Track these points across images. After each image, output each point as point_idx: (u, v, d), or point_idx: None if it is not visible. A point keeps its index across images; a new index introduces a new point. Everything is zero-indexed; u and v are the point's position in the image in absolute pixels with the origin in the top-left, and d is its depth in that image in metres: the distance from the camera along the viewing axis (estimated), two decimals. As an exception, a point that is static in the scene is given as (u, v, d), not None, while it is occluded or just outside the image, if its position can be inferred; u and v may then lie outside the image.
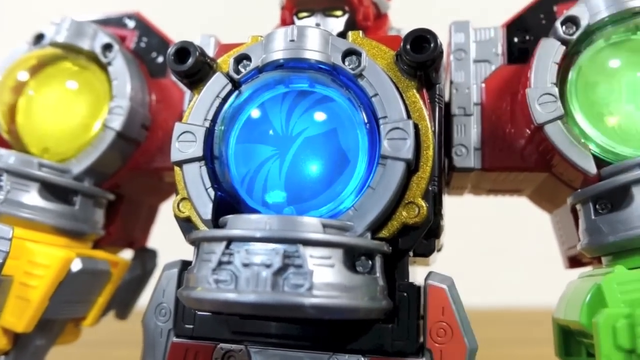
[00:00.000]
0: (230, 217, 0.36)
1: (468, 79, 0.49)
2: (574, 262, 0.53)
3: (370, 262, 0.36)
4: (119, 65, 0.53)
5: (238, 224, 0.35)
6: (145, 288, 0.63)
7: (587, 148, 0.42)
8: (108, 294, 0.54)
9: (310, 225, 0.34)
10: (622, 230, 0.38)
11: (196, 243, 0.38)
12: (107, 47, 0.54)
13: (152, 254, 0.63)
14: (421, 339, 0.39)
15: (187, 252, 0.49)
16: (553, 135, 0.42)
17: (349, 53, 0.41)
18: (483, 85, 0.49)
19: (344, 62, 0.41)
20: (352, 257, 0.36)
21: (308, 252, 0.33)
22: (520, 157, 0.47)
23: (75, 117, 0.53)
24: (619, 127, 0.42)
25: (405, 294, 0.39)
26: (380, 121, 0.39)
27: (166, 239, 0.69)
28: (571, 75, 0.44)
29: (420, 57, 0.39)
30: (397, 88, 0.40)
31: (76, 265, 0.48)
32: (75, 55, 0.55)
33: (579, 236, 0.45)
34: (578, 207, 0.44)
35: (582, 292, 0.40)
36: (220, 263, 0.33)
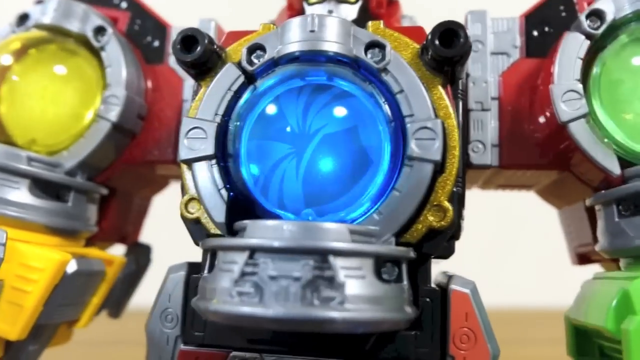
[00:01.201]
0: (249, 223, 0.34)
1: (485, 72, 0.47)
2: (583, 259, 0.52)
3: (396, 269, 0.35)
4: (113, 50, 0.49)
5: (262, 232, 0.33)
6: (138, 285, 0.60)
7: (611, 147, 0.41)
8: (103, 294, 0.51)
9: (339, 233, 0.32)
10: (650, 235, 0.38)
11: (209, 248, 0.35)
12: (99, 31, 0.50)
13: (145, 250, 0.60)
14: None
15: (181, 246, 0.46)
16: (577, 134, 0.41)
17: (372, 45, 0.38)
18: (500, 78, 0.47)
19: (366, 54, 0.38)
20: (379, 264, 0.34)
21: (339, 262, 0.31)
22: (539, 154, 0.45)
23: (64, 106, 0.49)
24: (644, 126, 0.41)
25: (428, 300, 0.38)
26: (407, 119, 0.37)
27: (160, 234, 0.66)
28: (595, 71, 0.43)
29: (450, 51, 0.36)
30: (423, 84, 0.38)
31: (71, 267, 0.45)
32: (63, 38, 0.51)
33: (595, 236, 0.44)
34: (597, 207, 0.43)
35: (606, 296, 0.39)
36: (243, 274, 0.31)
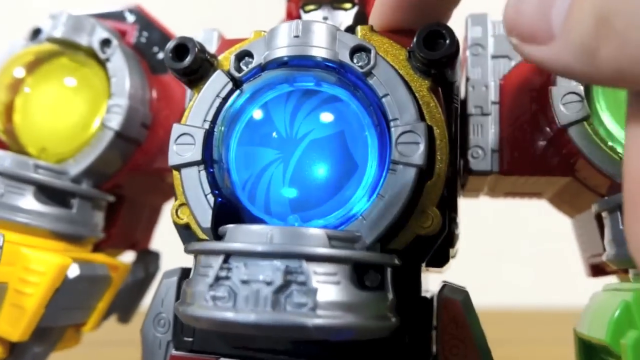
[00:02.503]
0: (229, 228, 0.34)
1: (485, 75, 0.46)
2: (597, 270, 0.50)
3: (379, 276, 0.34)
4: (117, 61, 0.51)
5: (238, 236, 0.33)
6: (147, 291, 0.61)
7: (615, 152, 0.39)
8: (108, 298, 0.52)
9: (315, 237, 0.32)
10: (654, 243, 0.35)
11: (194, 254, 0.35)
12: (105, 43, 0.51)
13: (154, 257, 0.61)
14: (434, 353, 0.37)
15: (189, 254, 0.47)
16: (577, 138, 0.39)
17: (357, 49, 0.38)
18: (501, 82, 0.46)
19: (352, 59, 0.38)
20: (361, 271, 0.33)
21: (312, 268, 0.30)
22: (542, 160, 0.44)
23: (73, 116, 0.51)
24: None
25: (416, 309, 0.37)
26: (391, 123, 0.36)
27: (170, 240, 0.67)
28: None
29: (434, 54, 0.36)
30: (410, 88, 0.37)
31: (73, 272, 0.46)
32: (73, 51, 0.53)
33: (604, 245, 0.42)
34: (604, 214, 0.41)
35: (608, 308, 0.37)
36: (217, 278, 0.31)
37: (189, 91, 0.53)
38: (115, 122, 0.49)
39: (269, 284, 0.30)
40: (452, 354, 0.36)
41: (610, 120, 0.40)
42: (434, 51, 0.36)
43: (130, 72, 0.51)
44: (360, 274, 0.33)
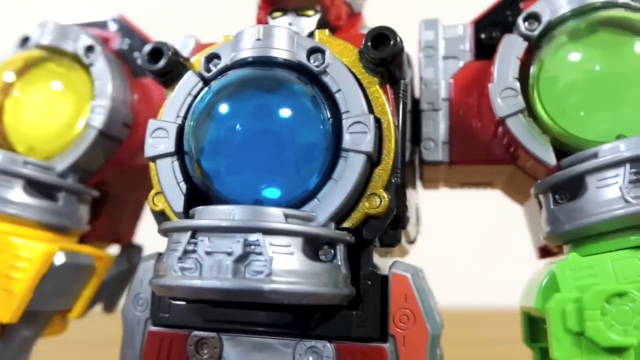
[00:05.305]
0: (198, 209, 0.38)
1: (437, 75, 0.51)
2: (545, 252, 0.54)
3: (332, 251, 0.38)
4: (100, 66, 0.55)
5: (204, 215, 0.37)
6: (130, 282, 0.64)
7: (547, 140, 0.44)
8: (93, 287, 0.56)
9: (272, 215, 0.36)
10: (577, 219, 0.40)
11: (166, 234, 0.39)
12: (89, 49, 0.55)
13: (137, 250, 0.65)
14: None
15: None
16: (514, 128, 0.44)
17: (313, 51, 0.42)
18: (451, 81, 0.50)
19: (309, 59, 0.42)
20: (315, 246, 0.37)
21: (268, 240, 0.34)
22: (487, 150, 0.48)
23: (60, 117, 0.55)
24: (579, 119, 0.44)
25: (369, 282, 0.41)
26: (343, 116, 0.40)
27: (153, 234, 0.71)
28: (533, 69, 0.46)
29: (380, 54, 0.40)
30: (361, 84, 0.41)
31: (59, 259, 0.50)
32: (60, 57, 0.57)
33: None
34: (540, 197, 0.45)
35: (538, 279, 0.41)
36: (185, 252, 0.35)
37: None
38: (98, 121, 0.53)
39: (229, 254, 0.34)
40: (401, 324, 0.40)
41: (543, 113, 0.45)
42: (380, 51, 0.40)
43: (112, 75, 0.55)
44: (315, 250, 0.38)
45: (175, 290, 0.35)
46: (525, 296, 0.45)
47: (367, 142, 0.39)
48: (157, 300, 0.44)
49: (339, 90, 0.41)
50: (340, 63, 0.42)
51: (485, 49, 0.50)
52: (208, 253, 0.34)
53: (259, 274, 0.34)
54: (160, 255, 0.46)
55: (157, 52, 0.44)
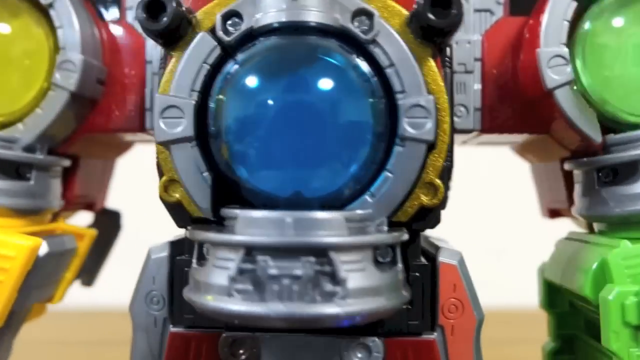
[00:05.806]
0: (240, 215, 0.32)
1: (468, 31, 0.45)
2: (554, 213, 0.54)
3: (391, 252, 0.35)
4: (62, 7, 0.44)
5: (254, 226, 0.31)
6: (110, 253, 0.58)
7: (594, 115, 0.41)
8: (75, 268, 0.49)
9: (336, 224, 0.31)
10: (630, 205, 0.39)
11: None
12: (44, -16, 0.44)
13: (115, 216, 0.58)
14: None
15: (151, 209, 0.44)
16: (563, 101, 0.41)
17: (358, 13, 0.35)
18: (483, 38, 0.46)
19: (352, 24, 0.35)
20: (375, 250, 0.34)
21: (339, 257, 0.30)
22: (521, 118, 0.45)
23: (12, 72, 0.45)
24: (625, 92, 0.42)
25: (418, 275, 0.38)
26: (398, 96, 0.35)
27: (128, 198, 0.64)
28: (579, 34, 0.42)
29: (442, 22, 0.34)
30: (415, 57, 0.36)
31: (42, 250, 0.42)
32: (3, -7, 0.45)
33: (571, 198, 0.46)
34: (577, 172, 0.44)
35: (583, 261, 0.41)
36: (241, 271, 0.30)
37: (149, 42, 0.48)
38: (71, 81, 0.43)
39: (298, 277, 0.30)
40: (450, 314, 0.39)
41: (589, 83, 0.42)
42: (442, 18, 0.34)
43: (79, 20, 0.44)
44: (374, 254, 0.34)
45: (233, 316, 0.31)
46: (555, 271, 0.45)
47: (428, 130, 0.35)
48: (179, 300, 0.39)
49: (391, 65, 0.35)
50: (392, 30, 0.36)
51: (522, 3, 0.45)
52: (273, 277, 0.29)
53: (333, 296, 0.30)
54: (172, 245, 0.41)
55: (156, 4, 0.35)
